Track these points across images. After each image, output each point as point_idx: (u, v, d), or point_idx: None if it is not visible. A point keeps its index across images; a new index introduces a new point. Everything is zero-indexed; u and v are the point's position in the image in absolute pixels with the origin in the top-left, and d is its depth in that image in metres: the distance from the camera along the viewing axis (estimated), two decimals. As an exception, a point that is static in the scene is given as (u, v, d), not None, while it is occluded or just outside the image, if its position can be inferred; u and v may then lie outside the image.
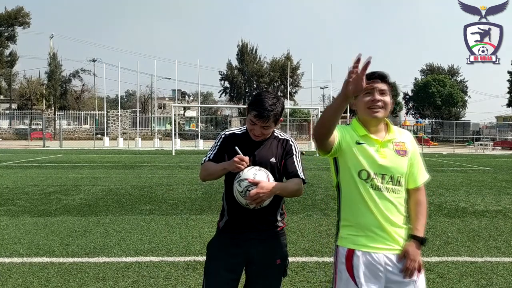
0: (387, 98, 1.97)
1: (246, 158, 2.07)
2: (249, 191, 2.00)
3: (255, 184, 2.00)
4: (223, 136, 2.32)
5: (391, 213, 1.93)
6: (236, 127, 2.40)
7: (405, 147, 2.00)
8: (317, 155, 23.09)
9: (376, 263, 1.90)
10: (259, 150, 2.22)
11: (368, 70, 1.64)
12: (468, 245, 5.08)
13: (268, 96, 2.16)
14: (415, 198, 2.04)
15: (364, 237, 1.93)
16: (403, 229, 1.97)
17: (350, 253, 1.93)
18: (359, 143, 1.96)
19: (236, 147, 2.12)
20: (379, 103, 1.94)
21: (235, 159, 2.06)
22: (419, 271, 1.93)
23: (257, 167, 2.11)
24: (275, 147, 2.26)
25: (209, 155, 2.28)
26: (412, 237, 1.96)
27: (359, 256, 1.91)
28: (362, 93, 1.91)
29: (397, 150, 1.97)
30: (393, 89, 2.06)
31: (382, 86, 1.97)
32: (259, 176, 2.04)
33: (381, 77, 1.99)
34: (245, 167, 2.07)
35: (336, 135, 1.92)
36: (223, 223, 2.30)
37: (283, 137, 2.31)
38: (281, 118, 2.23)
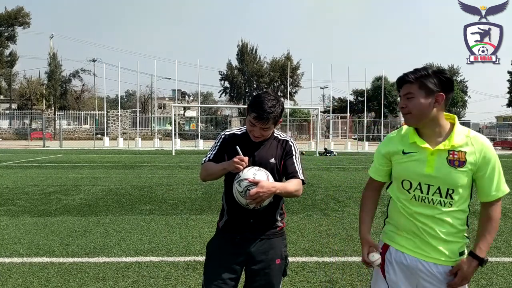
0: (414, 101, 1.80)
1: (246, 158, 2.07)
2: (249, 190, 2.00)
3: (255, 183, 2.00)
4: (223, 136, 2.32)
5: (435, 225, 1.82)
6: (236, 127, 2.40)
7: (464, 157, 1.78)
8: (317, 155, 23.06)
9: (408, 264, 1.86)
10: (259, 150, 2.22)
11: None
12: (468, 245, 5.07)
13: (267, 97, 2.15)
14: (485, 213, 1.87)
15: (401, 237, 1.91)
16: (451, 243, 1.84)
17: (385, 248, 1.96)
18: (405, 153, 1.88)
19: (237, 147, 2.12)
20: (405, 110, 1.83)
21: (235, 159, 2.06)
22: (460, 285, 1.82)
23: (257, 167, 2.11)
24: (275, 147, 2.26)
25: (209, 155, 2.28)
26: (472, 254, 1.83)
27: (391, 253, 1.92)
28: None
29: (450, 160, 1.79)
30: (425, 85, 1.79)
31: (406, 89, 1.82)
32: (258, 176, 2.04)
33: (402, 80, 1.84)
34: (245, 167, 2.07)
35: (387, 171, 2.01)
36: (222, 223, 2.30)
37: (283, 138, 2.31)
38: (280, 119, 2.22)
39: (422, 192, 1.83)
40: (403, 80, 1.84)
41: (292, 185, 2.15)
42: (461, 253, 1.88)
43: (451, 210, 1.82)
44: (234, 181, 2.08)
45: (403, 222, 1.89)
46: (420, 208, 1.83)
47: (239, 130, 2.33)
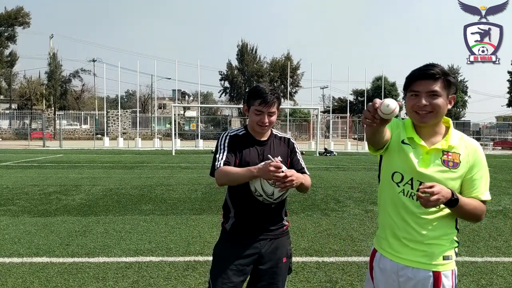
0: (439, 101, 1.69)
1: (282, 166, 1.99)
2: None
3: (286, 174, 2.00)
4: (228, 137, 2.27)
5: (417, 224, 1.76)
6: (234, 129, 2.40)
7: (458, 159, 1.74)
8: (317, 155, 23.06)
9: (388, 269, 1.84)
10: (265, 150, 2.26)
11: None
12: (468, 245, 5.08)
13: (264, 84, 2.25)
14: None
15: (385, 241, 1.87)
16: (432, 246, 1.76)
17: (373, 254, 1.95)
18: (404, 143, 1.80)
19: (269, 155, 2.07)
20: (427, 108, 1.70)
21: (271, 168, 1.96)
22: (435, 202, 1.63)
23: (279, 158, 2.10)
24: (278, 145, 2.31)
25: (220, 158, 2.19)
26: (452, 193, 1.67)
27: (378, 259, 1.90)
28: (410, 93, 1.75)
29: (444, 161, 1.74)
30: (450, 85, 1.72)
31: (433, 86, 1.69)
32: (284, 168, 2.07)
33: (432, 75, 1.69)
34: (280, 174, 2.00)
35: (389, 133, 1.79)
36: (230, 225, 2.28)
37: (283, 136, 2.38)
38: (279, 108, 2.27)
39: (412, 188, 1.77)
40: (427, 75, 1.69)
41: (308, 179, 2.25)
42: (446, 258, 1.77)
43: (436, 210, 1.76)
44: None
45: (388, 220, 1.86)
46: (407, 203, 1.78)
47: (239, 131, 2.33)
